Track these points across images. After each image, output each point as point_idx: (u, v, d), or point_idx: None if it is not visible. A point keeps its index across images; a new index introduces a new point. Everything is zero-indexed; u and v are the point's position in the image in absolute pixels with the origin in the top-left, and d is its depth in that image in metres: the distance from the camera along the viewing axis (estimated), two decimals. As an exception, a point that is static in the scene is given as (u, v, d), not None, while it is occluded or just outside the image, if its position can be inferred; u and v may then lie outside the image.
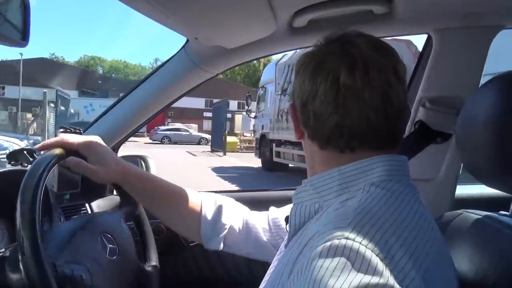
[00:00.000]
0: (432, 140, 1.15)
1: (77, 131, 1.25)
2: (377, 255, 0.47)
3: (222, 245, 0.93)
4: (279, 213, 0.94)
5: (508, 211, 0.75)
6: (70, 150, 0.82)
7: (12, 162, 1.25)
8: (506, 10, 1.04)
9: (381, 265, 0.46)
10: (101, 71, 59.08)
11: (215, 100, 26.50)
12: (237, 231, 0.93)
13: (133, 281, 0.90)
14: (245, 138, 21.30)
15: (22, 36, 0.70)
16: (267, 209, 0.97)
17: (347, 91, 0.59)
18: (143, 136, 27.88)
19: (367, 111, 0.59)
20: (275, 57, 12.61)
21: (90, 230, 0.84)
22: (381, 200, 0.56)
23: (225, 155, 17.22)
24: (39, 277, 0.61)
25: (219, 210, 0.94)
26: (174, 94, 1.32)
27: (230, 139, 19.20)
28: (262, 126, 11.80)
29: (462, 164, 1.18)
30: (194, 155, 17.43)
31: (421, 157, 1.13)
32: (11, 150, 1.23)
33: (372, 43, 0.63)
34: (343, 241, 0.48)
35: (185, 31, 1.05)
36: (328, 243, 0.48)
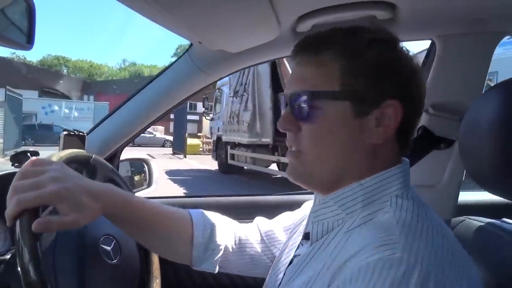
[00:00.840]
0: (435, 146, 1.15)
1: (81, 133, 1.26)
2: (428, 272, 0.48)
3: (217, 268, 0.86)
4: (271, 225, 0.92)
5: (511, 218, 0.75)
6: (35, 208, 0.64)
7: (16, 164, 1.26)
8: (510, 17, 1.04)
9: (433, 278, 0.47)
10: (65, 71, 56.49)
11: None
12: (231, 250, 0.88)
13: (134, 286, 0.89)
14: (207, 140, 20.25)
15: (27, 39, 0.70)
16: (253, 214, 0.97)
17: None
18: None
19: None
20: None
21: (91, 232, 0.84)
22: (413, 212, 0.57)
23: (185, 157, 17.09)
24: (36, 283, 0.60)
25: (212, 230, 0.87)
26: (178, 97, 1.32)
27: (192, 141, 18.99)
28: (218, 128, 11.81)
29: (465, 170, 1.18)
30: (153, 157, 17.31)
31: (424, 163, 1.13)
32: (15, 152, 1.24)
33: None
34: (391, 258, 0.49)
35: (189, 35, 1.05)
36: (379, 257, 0.49)
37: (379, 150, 0.63)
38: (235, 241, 0.90)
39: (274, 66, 7.88)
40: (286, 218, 0.93)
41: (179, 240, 0.84)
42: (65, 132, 1.22)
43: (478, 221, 0.75)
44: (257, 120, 8.74)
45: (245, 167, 10.39)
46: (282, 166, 8.97)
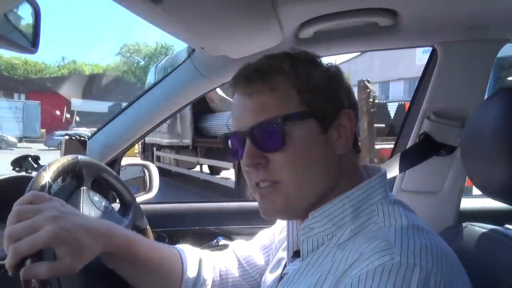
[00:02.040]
0: (436, 152, 1.15)
1: (82, 138, 1.26)
2: (428, 272, 0.49)
3: None
4: (249, 250, 0.92)
5: None
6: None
7: (17, 169, 1.26)
8: (510, 24, 1.05)
9: (432, 279, 0.49)
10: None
11: (124, 104, 25.52)
12: (216, 284, 0.88)
13: None
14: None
15: (32, 43, 0.71)
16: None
17: None
18: (39, 142, 24.18)
19: None
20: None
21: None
22: (401, 215, 0.59)
23: (121, 160, 16.91)
24: None
25: (199, 265, 0.87)
26: (179, 102, 1.32)
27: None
28: None
29: (467, 177, 1.18)
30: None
31: (426, 170, 1.13)
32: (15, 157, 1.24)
33: None
34: (392, 263, 0.50)
35: (192, 40, 1.05)
36: (378, 264, 0.51)
37: (344, 160, 0.66)
38: (218, 274, 0.89)
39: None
40: (262, 238, 0.93)
41: (171, 277, 0.83)
42: (66, 137, 1.22)
43: (481, 227, 0.75)
44: (177, 121, 8.45)
45: (171, 170, 10.11)
46: (202, 168, 8.90)
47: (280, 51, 0.69)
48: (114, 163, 1.37)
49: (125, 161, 1.47)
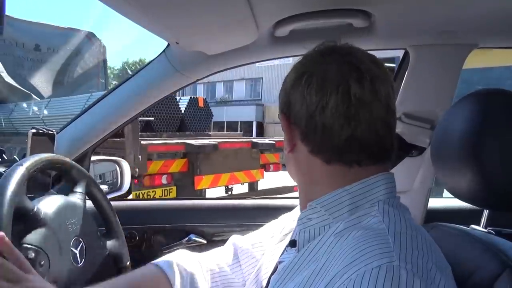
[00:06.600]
0: (408, 153, 1.18)
1: (50, 132, 1.22)
2: (423, 280, 0.49)
3: None
4: (247, 243, 0.90)
5: (479, 225, 0.77)
6: None
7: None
8: (480, 30, 1.08)
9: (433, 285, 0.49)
10: None
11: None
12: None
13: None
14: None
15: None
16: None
17: (358, 102, 0.60)
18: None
19: (376, 124, 0.61)
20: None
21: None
22: (401, 220, 0.58)
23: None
24: None
25: (191, 279, 0.82)
26: (153, 97, 1.30)
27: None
28: None
29: (434, 177, 1.21)
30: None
31: (397, 170, 1.15)
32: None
33: (369, 56, 0.65)
34: (391, 266, 0.49)
35: (166, 35, 1.04)
36: (376, 265, 0.50)
37: (305, 161, 0.67)
38: (210, 276, 0.86)
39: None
40: (264, 232, 0.92)
41: None
42: (33, 130, 1.16)
43: (448, 227, 0.77)
44: None
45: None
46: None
47: None
48: (84, 158, 1.33)
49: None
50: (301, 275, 0.60)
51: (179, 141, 4.90)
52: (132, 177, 3.95)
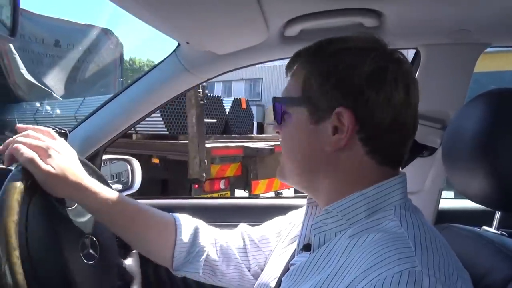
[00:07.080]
0: (418, 154, 1.17)
1: (63, 131, 1.23)
2: (445, 286, 0.49)
3: (202, 270, 0.85)
4: (258, 234, 0.90)
5: (491, 226, 0.76)
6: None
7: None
8: (493, 28, 1.07)
9: None
10: None
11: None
12: (217, 258, 0.87)
13: (114, 282, 0.88)
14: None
15: (11, 32, 0.69)
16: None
17: (407, 105, 0.61)
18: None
19: (413, 126, 0.64)
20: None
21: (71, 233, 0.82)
22: (419, 225, 0.58)
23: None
24: None
25: (195, 232, 0.86)
26: (163, 97, 1.31)
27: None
28: None
29: (446, 178, 1.20)
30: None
31: (408, 170, 1.14)
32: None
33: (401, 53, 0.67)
34: (413, 271, 0.49)
35: (177, 35, 1.04)
36: (397, 270, 0.49)
37: (343, 158, 0.62)
38: (218, 248, 0.88)
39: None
40: (272, 227, 0.91)
41: (160, 241, 0.84)
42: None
43: (460, 229, 0.76)
44: None
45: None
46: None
47: (339, 36, 0.69)
48: (95, 156, 1.34)
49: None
50: (316, 277, 0.60)
51: (238, 144, 4.59)
52: (195, 181, 3.94)
